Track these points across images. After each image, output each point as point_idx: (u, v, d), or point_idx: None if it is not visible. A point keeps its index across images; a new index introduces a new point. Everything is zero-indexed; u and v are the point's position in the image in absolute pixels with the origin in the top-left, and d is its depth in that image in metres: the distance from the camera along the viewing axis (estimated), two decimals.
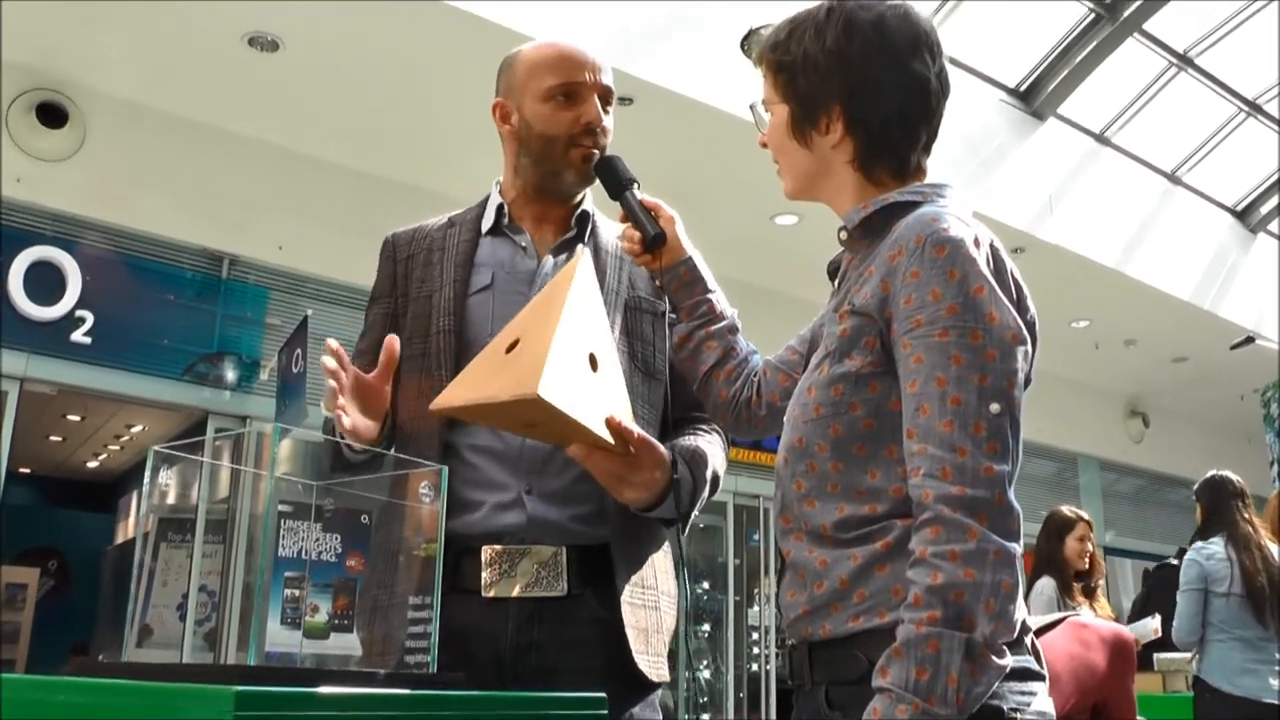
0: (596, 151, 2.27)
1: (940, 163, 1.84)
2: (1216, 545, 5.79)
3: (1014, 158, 9.81)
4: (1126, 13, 9.55)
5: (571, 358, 1.84)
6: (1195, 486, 6.14)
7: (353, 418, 2.02)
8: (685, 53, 7.38)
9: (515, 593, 2.08)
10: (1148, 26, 9.89)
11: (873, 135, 1.77)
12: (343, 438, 2.04)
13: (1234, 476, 5.98)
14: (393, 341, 2.06)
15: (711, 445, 2.27)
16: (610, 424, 1.90)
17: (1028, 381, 1.63)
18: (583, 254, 1.99)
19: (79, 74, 7.08)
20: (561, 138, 2.26)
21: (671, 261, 2.14)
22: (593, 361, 1.90)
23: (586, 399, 1.85)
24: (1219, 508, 5.92)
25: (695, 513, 2.19)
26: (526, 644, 2.07)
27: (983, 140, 9.39)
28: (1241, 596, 5.64)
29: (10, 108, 6.91)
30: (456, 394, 1.87)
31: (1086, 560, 6.29)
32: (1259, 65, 10.65)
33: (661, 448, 2.02)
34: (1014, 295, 1.64)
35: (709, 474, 2.20)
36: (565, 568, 2.09)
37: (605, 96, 2.31)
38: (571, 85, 2.26)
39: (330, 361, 2.01)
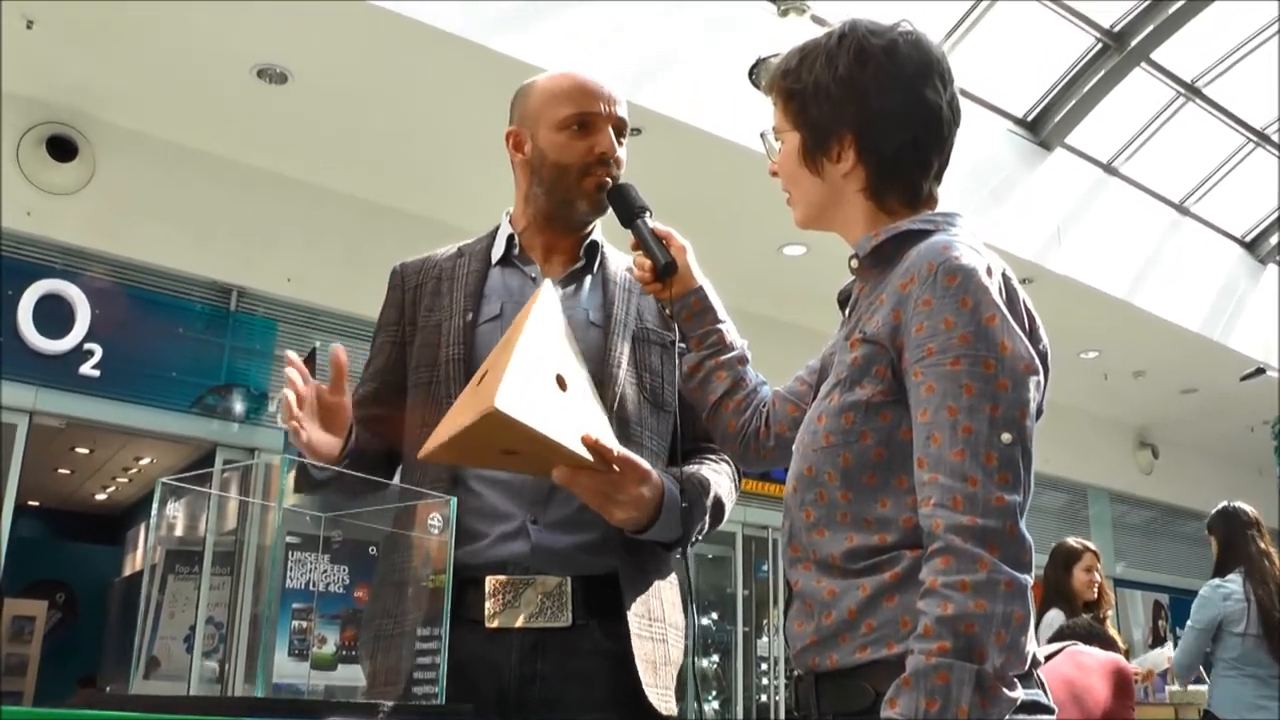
0: (609, 180, 2.28)
1: (947, 193, 1.84)
2: (1234, 584, 5.75)
3: (1021, 188, 9.81)
4: (1134, 42, 9.55)
5: (533, 377, 1.85)
6: (1208, 520, 6.11)
7: (309, 433, 2.04)
8: (693, 83, 7.39)
9: (519, 623, 2.06)
10: (1155, 56, 9.89)
11: (885, 163, 1.77)
12: (303, 455, 2.05)
13: (1246, 506, 5.96)
14: (338, 351, 2.05)
15: (716, 473, 2.26)
16: (586, 441, 1.89)
17: (1040, 412, 1.62)
18: (544, 286, 2.00)
19: (88, 107, 7.10)
20: (575, 166, 2.26)
21: (682, 290, 2.15)
22: (561, 382, 1.91)
23: (555, 416, 1.86)
24: (1234, 539, 5.89)
25: (698, 538, 2.18)
26: (530, 675, 2.05)
27: (990, 170, 9.39)
28: (1258, 636, 5.61)
29: (20, 141, 6.93)
30: (435, 436, 1.87)
31: (1095, 590, 6.27)
32: (1267, 95, 10.64)
33: (645, 464, 2.01)
34: (1026, 325, 1.63)
35: (709, 498, 2.19)
36: (570, 598, 2.08)
37: (619, 128, 2.32)
38: (587, 115, 2.28)
39: (292, 373, 2.01)
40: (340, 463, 2.07)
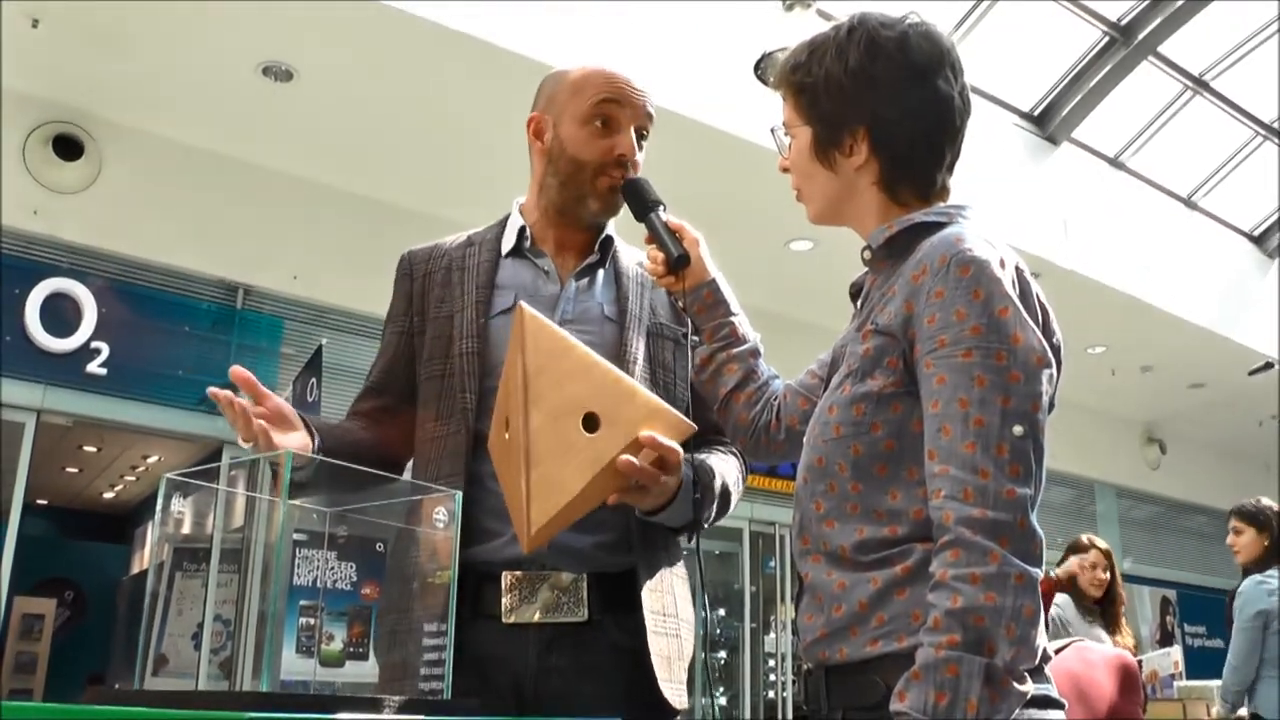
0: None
1: (953, 188, 1.83)
2: (1275, 579, 5.67)
3: (1029, 182, 9.79)
4: (1141, 36, 9.54)
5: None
6: (1259, 516, 6.01)
7: (278, 437, 2.11)
8: (698, 78, 7.38)
9: (535, 618, 2.06)
10: (1163, 50, 9.88)
11: (898, 156, 1.76)
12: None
13: None
14: (235, 371, 2.16)
15: (725, 463, 2.25)
16: (644, 441, 1.87)
17: (1051, 405, 1.61)
18: (523, 312, 1.90)
19: (95, 106, 7.11)
20: (592, 164, 2.24)
21: (694, 283, 2.13)
22: (590, 421, 1.86)
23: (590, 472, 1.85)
24: None
25: (706, 524, 2.18)
26: (546, 669, 2.05)
27: (997, 165, 9.37)
28: None
29: (26, 140, 6.94)
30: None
31: (1100, 589, 6.19)
32: (1275, 88, 10.62)
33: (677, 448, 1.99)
34: (1039, 318, 1.62)
35: (718, 484, 2.18)
36: (586, 594, 2.08)
37: (643, 129, 2.30)
38: (612, 114, 2.25)
39: (241, 396, 2.06)
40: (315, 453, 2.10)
